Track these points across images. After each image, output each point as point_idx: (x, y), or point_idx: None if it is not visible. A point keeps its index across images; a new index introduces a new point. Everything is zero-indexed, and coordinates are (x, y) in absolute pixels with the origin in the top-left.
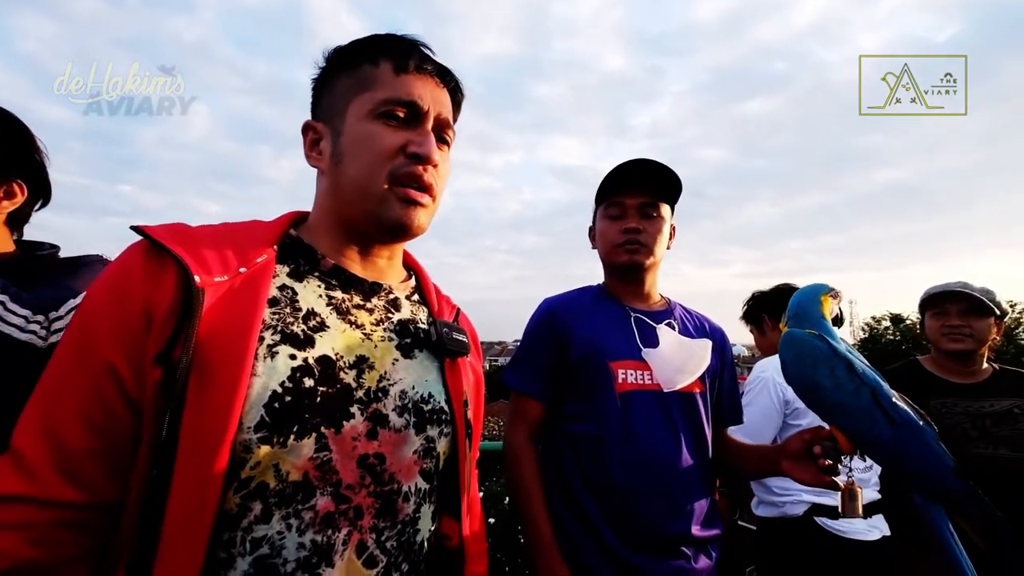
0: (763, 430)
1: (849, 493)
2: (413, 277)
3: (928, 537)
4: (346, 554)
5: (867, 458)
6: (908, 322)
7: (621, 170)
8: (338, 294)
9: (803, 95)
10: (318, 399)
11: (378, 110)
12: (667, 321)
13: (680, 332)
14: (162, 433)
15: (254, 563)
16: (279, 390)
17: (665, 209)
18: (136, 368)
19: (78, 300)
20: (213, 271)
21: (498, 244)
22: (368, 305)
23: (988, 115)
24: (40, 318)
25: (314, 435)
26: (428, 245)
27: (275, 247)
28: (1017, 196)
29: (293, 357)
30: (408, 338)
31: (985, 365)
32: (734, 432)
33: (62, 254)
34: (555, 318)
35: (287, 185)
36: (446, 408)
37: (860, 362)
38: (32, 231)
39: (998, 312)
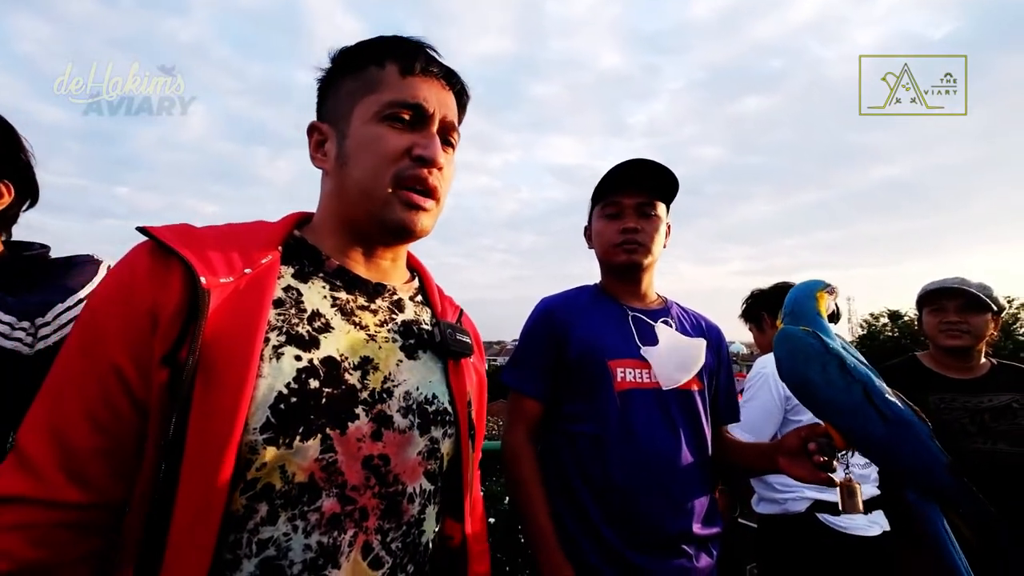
0: (764, 426)
1: (848, 490)
2: (416, 278)
3: (922, 533)
4: (352, 555)
5: None
6: (906, 318)
7: (618, 170)
8: (343, 295)
9: (800, 92)
10: (323, 400)
11: (384, 112)
12: (664, 319)
13: (677, 330)
14: (168, 434)
15: (260, 565)
16: (285, 391)
17: (661, 208)
18: (142, 369)
19: (66, 304)
20: (219, 272)
21: (496, 243)
22: (372, 306)
23: (985, 112)
24: (25, 324)
25: (319, 436)
26: (427, 244)
27: (280, 248)
28: (1013, 192)
29: (298, 358)
30: (412, 339)
31: (983, 360)
32: (735, 429)
33: (59, 256)
34: (553, 318)
35: (283, 186)
36: (450, 409)
37: (853, 358)
38: (30, 233)
39: (995, 308)
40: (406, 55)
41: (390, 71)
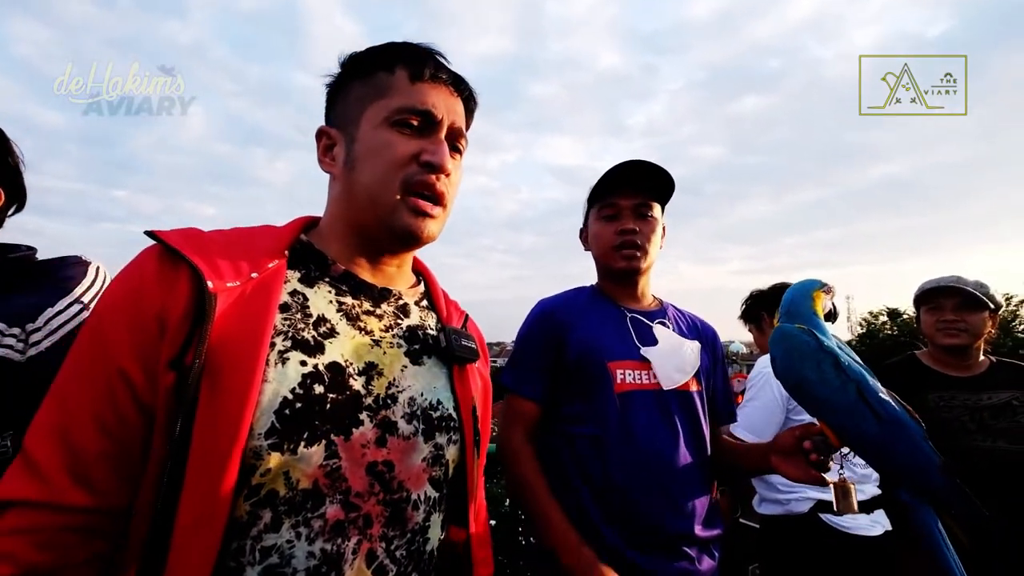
0: (766, 426)
1: (842, 490)
2: (422, 282)
3: (917, 534)
4: (356, 563)
5: None
6: (905, 317)
7: (614, 172)
8: (348, 300)
9: (798, 92)
10: (328, 406)
11: (392, 118)
12: (660, 320)
13: (674, 331)
14: (174, 438)
15: (263, 572)
16: (290, 396)
17: (657, 209)
18: (149, 373)
19: (57, 309)
20: (226, 276)
21: (496, 244)
22: (378, 311)
23: (982, 111)
24: (16, 331)
25: (324, 442)
26: (426, 246)
27: (287, 253)
28: (1010, 190)
29: (304, 363)
30: (417, 344)
31: (982, 358)
32: (737, 429)
33: (45, 257)
34: (552, 319)
35: (282, 187)
36: (454, 415)
37: (848, 357)
38: (27, 237)
39: (992, 305)
40: (416, 61)
41: (400, 77)
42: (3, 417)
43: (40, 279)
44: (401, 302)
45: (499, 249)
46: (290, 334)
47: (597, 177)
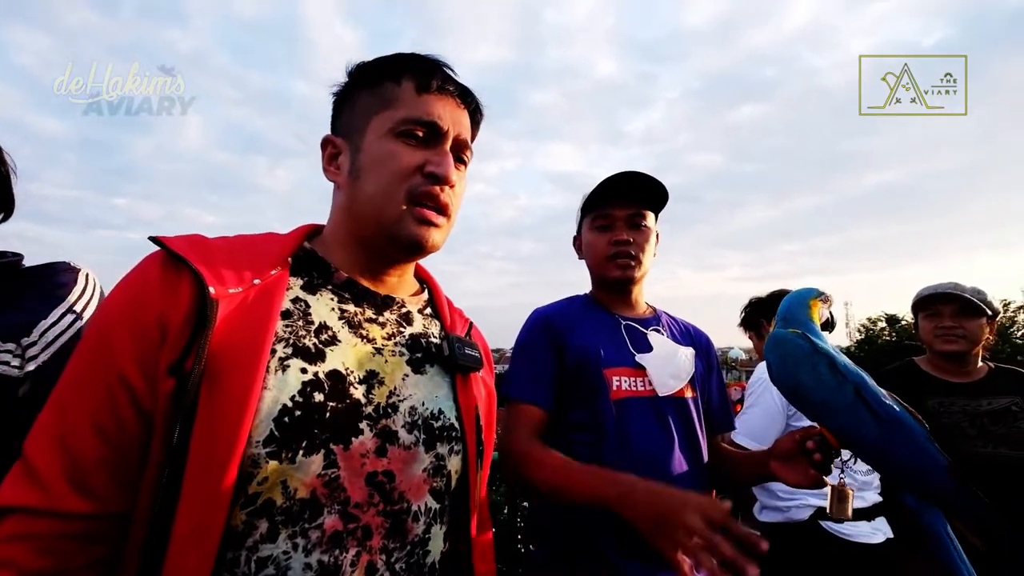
0: (767, 432)
1: (839, 494)
2: (426, 290)
3: (925, 539)
4: (355, 575)
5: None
6: (904, 323)
7: (608, 182)
8: (351, 307)
9: (794, 100)
10: (327, 414)
11: (398, 129)
12: (655, 328)
13: (668, 338)
14: (172, 444)
15: None
16: (289, 404)
17: (651, 218)
18: (149, 378)
19: (51, 320)
20: (228, 283)
21: (494, 251)
22: (380, 319)
23: (979, 117)
24: (11, 346)
25: (322, 451)
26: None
27: (290, 260)
28: (1009, 195)
29: (304, 371)
30: (419, 353)
31: (980, 364)
32: (738, 436)
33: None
34: (551, 326)
35: (283, 195)
36: (456, 425)
37: (844, 359)
38: (24, 245)
39: (990, 312)
40: (423, 72)
41: (406, 88)
42: (4, 433)
43: (29, 287)
44: (404, 310)
45: (497, 256)
46: (291, 341)
47: (593, 184)
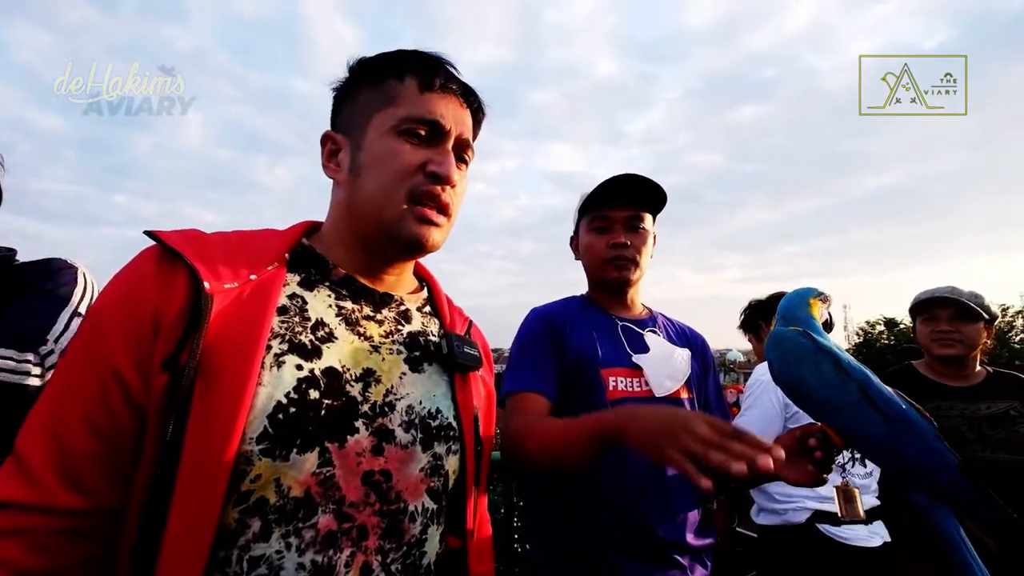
0: (766, 433)
1: (845, 494)
2: (425, 288)
3: (936, 541)
4: None
5: (867, 464)
6: (902, 326)
7: (607, 185)
8: (348, 304)
9: (795, 101)
10: (322, 412)
11: (400, 127)
12: (651, 329)
13: (663, 339)
14: (166, 440)
15: None
16: (284, 401)
17: (649, 220)
18: (143, 374)
19: (60, 326)
20: (223, 278)
21: (494, 250)
22: (378, 316)
23: (979, 120)
24: (30, 356)
25: (317, 449)
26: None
27: (287, 256)
28: (1009, 198)
29: (300, 368)
30: (418, 351)
31: (979, 368)
32: None
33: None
34: (551, 323)
35: (282, 193)
36: (454, 424)
37: (847, 356)
38: (25, 241)
39: (987, 316)
40: (426, 70)
41: (409, 85)
42: None
43: (29, 287)
44: (403, 308)
45: (497, 256)
46: (287, 337)
47: (593, 184)
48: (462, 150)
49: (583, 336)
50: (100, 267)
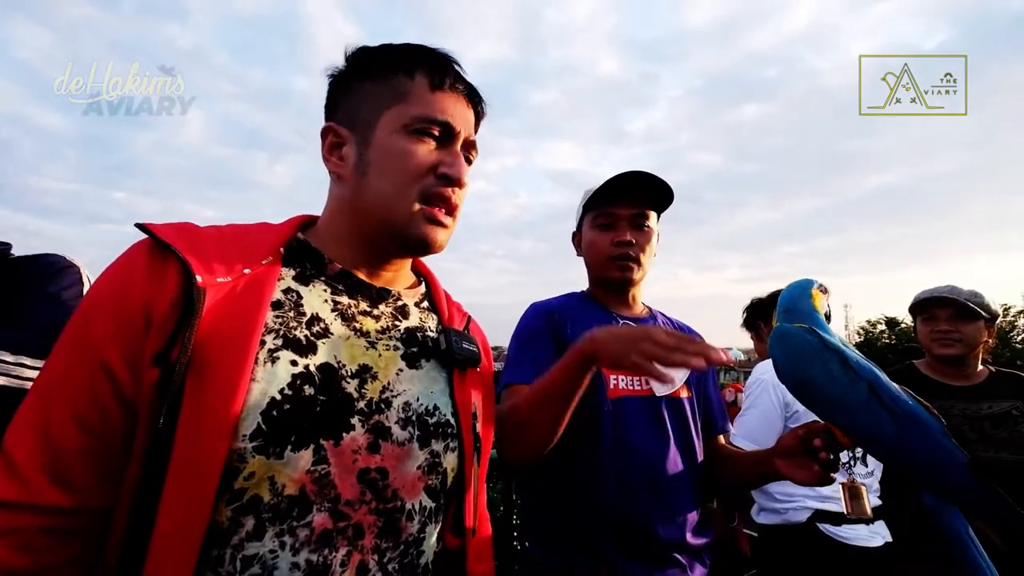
0: (767, 433)
1: (851, 491)
2: (423, 283)
3: (945, 540)
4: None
5: (868, 463)
6: (903, 325)
7: (615, 181)
8: (344, 299)
9: (796, 101)
10: (317, 408)
11: (412, 126)
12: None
13: None
14: (156, 436)
15: None
16: (278, 397)
17: (654, 218)
18: (133, 368)
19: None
20: (216, 272)
21: (494, 249)
22: (375, 312)
23: (979, 120)
24: (40, 364)
25: (312, 447)
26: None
27: (282, 250)
28: (1009, 199)
29: (294, 363)
30: (415, 347)
31: (980, 367)
32: (736, 438)
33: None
34: (551, 318)
35: (282, 190)
36: (452, 421)
37: (855, 354)
38: (27, 238)
39: (987, 315)
40: (436, 68)
41: (420, 83)
42: None
43: (32, 289)
44: (400, 303)
45: (497, 254)
46: (281, 332)
47: (595, 182)
48: (467, 150)
49: (583, 332)
50: (100, 263)
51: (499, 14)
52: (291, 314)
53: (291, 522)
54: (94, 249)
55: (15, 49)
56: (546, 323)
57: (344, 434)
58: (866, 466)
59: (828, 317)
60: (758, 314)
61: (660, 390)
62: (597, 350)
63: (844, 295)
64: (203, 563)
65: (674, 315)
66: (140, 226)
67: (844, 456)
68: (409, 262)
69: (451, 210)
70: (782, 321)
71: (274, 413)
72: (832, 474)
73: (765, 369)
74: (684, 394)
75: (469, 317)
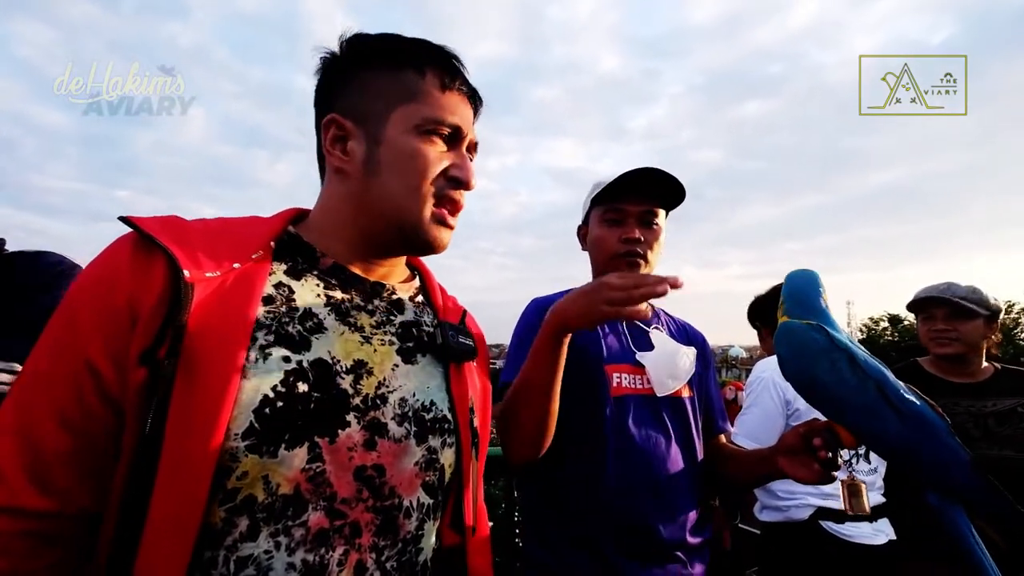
0: (768, 432)
1: (850, 489)
2: (417, 277)
3: (948, 539)
4: (342, 575)
5: (872, 460)
6: (906, 323)
7: (627, 176)
8: (338, 294)
9: (799, 97)
10: (312, 405)
11: (424, 127)
12: (655, 326)
13: (669, 337)
14: (144, 436)
15: None
16: (271, 395)
17: (662, 216)
18: (119, 366)
19: None
20: (204, 266)
21: (495, 247)
22: (369, 306)
23: (982, 117)
24: None
25: (306, 444)
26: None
27: (272, 244)
28: (1010, 197)
29: (287, 360)
30: (411, 342)
31: (985, 364)
32: (738, 438)
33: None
34: None
35: (284, 188)
36: (449, 417)
37: (863, 353)
38: (30, 237)
39: (987, 312)
40: (446, 68)
41: (430, 82)
42: None
43: (35, 290)
44: (395, 297)
45: (498, 252)
46: (273, 328)
47: (598, 176)
48: (470, 151)
49: (586, 331)
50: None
51: (500, 10)
52: (283, 309)
53: (286, 522)
54: (97, 247)
55: (16, 47)
56: None
57: (339, 431)
58: (869, 463)
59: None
60: (755, 315)
61: (661, 390)
62: (564, 318)
63: (847, 292)
64: (195, 565)
65: (676, 312)
66: (124, 219)
67: (846, 454)
68: (405, 257)
69: (457, 212)
70: (791, 314)
71: (267, 411)
72: (833, 472)
73: (765, 367)
74: (685, 393)
75: (465, 311)
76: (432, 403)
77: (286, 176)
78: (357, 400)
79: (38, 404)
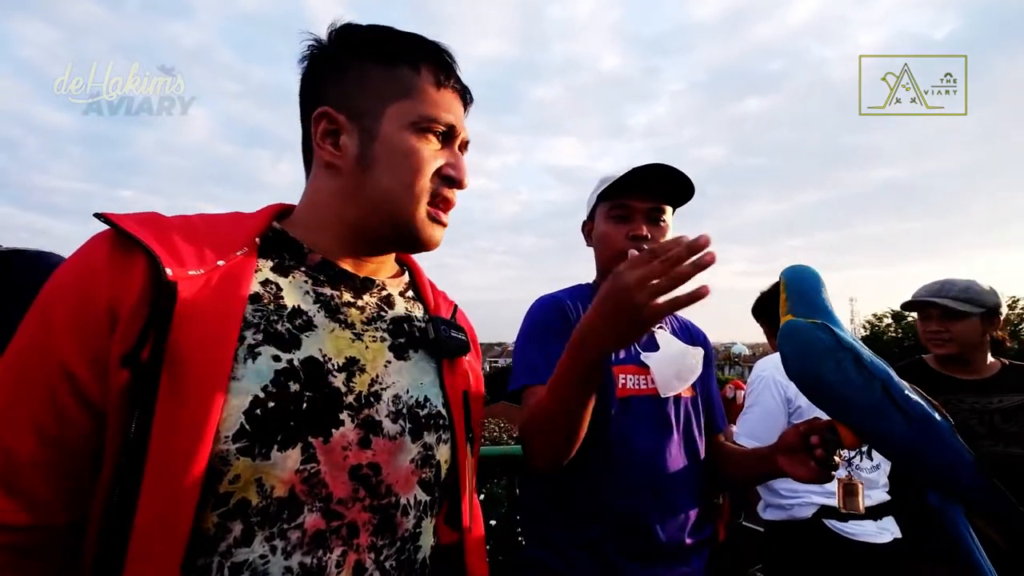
0: (769, 431)
1: (846, 487)
2: (406, 272)
3: (947, 538)
4: None
5: (875, 457)
6: (910, 319)
7: (635, 172)
8: (327, 290)
9: (801, 93)
10: (304, 405)
11: (420, 124)
12: (659, 325)
13: (675, 337)
14: (128, 443)
15: None
16: (261, 395)
17: (670, 212)
18: (98, 371)
19: None
20: (187, 264)
21: (495, 246)
22: (359, 302)
23: (984, 114)
24: None
25: (300, 445)
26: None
27: (257, 240)
28: (1012, 195)
29: (277, 359)
30: (402, 338)
31: (992, 360)
32: (740, 437)
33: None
34: (563, 310)
35: (286, 187)
36: (444, 412)
37: (868, 353)
38: (34, 237)
39: (982, 309)
40: (442, 65)
41: (425, 79)
42: None
43: (37, 289)
44: (385, 292)
45: (498, 251)
46: (262, 326)
47: (600, 174)
48: (462, 149)
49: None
50: None
51: (500, 11)
52: (271, 307)
53: (281, 525)
54: None
55: (18, 47)
56: (558, 315)
57: (333, 430)
58: (871, 460)
59: None
60: (764, 310)
61: (665, 391)
62: (602, 341)
63: (850, 289)
64: (188, 573)
65: (678, 311)
66: (100, 216)
67: (848, 452)
68: (394, 253)
69: (449, 209)
70: (796, 312)
71: (258, 412)
72: (832, 471)
73: (765, 365)
74: (688, 394)
75: (456, 306)
76: (426, 399)
77: (288, 176)
78: (350, 398)
79: (12, 414)
